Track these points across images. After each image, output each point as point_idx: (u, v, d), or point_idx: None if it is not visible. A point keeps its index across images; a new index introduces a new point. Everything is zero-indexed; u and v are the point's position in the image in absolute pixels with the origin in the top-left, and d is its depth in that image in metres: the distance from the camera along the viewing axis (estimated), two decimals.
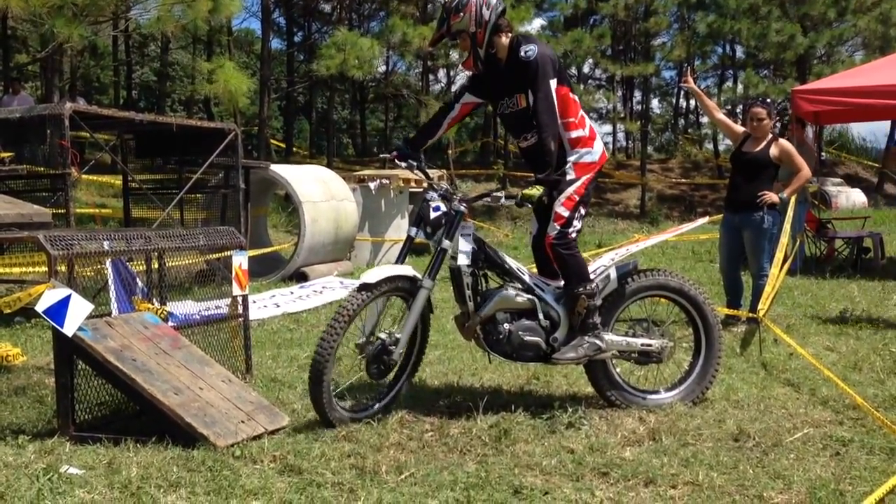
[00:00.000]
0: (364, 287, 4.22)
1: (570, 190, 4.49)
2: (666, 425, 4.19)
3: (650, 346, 4.58)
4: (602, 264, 4.64)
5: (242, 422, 4.05)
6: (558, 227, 4.47)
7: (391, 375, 4.45)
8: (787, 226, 6.97)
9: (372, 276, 4.26)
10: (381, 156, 4.50)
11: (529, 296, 4.48)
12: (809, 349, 5.74)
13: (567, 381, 5.16)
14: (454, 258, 4.40)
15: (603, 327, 4.51)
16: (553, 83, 4.39)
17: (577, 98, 4.61)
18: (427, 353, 5.60)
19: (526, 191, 4.30)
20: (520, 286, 4.49)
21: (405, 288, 4.38)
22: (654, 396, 4.63)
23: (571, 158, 4.53)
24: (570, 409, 4.31)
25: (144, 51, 29.66)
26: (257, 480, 3.42)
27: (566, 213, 4.46)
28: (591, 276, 4.52)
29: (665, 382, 4.80)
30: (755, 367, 5.58)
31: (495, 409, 4.44)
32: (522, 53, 4.41)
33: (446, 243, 4.37)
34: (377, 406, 4.43)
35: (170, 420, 3.89)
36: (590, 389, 4.94)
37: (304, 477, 3.51)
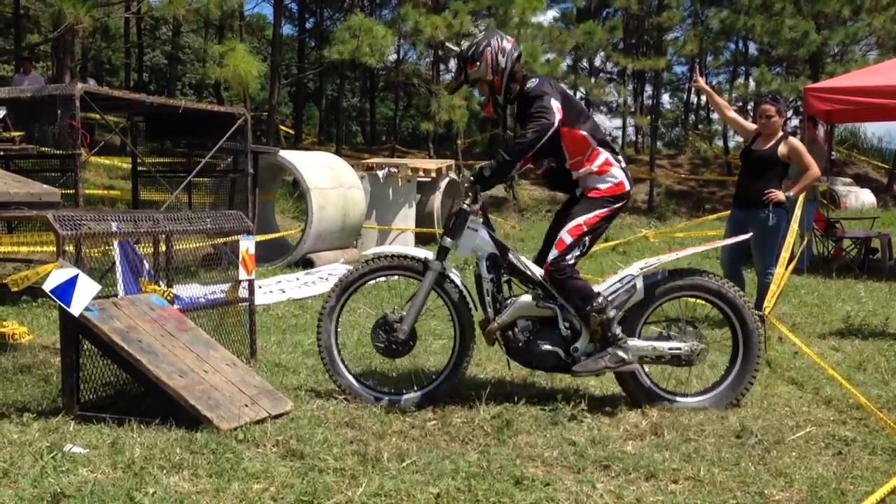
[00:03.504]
0: (367, 260, 4.48)
1: (581, 218, 4.44)
2: (668, 420, 4.20)
3: (679, 349, 4.46)
4: (629, 273, 4.52)
5: (246, 405, 4.06)
6: (556, 253, 4.43)
7: (408, 361, 4.60)
8: (794, 225, 6.95)
9: (376, 250, 4.61)
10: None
11: (550, 304, 4.46)
12: (814, 348, 5.73)
13: None
14: (476, 263, 4.49)
15: (629, 333, 4.45)
16: (554, 102, 4.34)
17: (590, 136, 4.49)
18: (430, 343, 5.63)
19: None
20: (541, 294, 4.47)
21: (413, 268, 4.49)
22: (684, 400, 4.52)
23: (581, 184, 4.53)
24: (573, 402, 4.31)
25: (156, 33, 29.65)
26: (259, 464, 3.44)
27: (569, 241, 4.42)
28: (618, 283, 4.46)
29: (699, 385, 4.73)
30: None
31: (498, 400, 4.45)
32: (527, 87, 4.46)
33: (447, 241, 4.45)
34: (402, 399, 4.47)
35: (174, 402, 3.90)
36: (593, 382, 4.95)
37: (306, 462, 3.52)
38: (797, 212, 7.06)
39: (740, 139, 8.46)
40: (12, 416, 4.06)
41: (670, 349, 4.48)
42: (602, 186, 4.48)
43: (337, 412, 4.26)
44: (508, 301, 4.48)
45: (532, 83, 4.46)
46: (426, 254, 4.53)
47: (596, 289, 4.46)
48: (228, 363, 4.40)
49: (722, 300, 4.50)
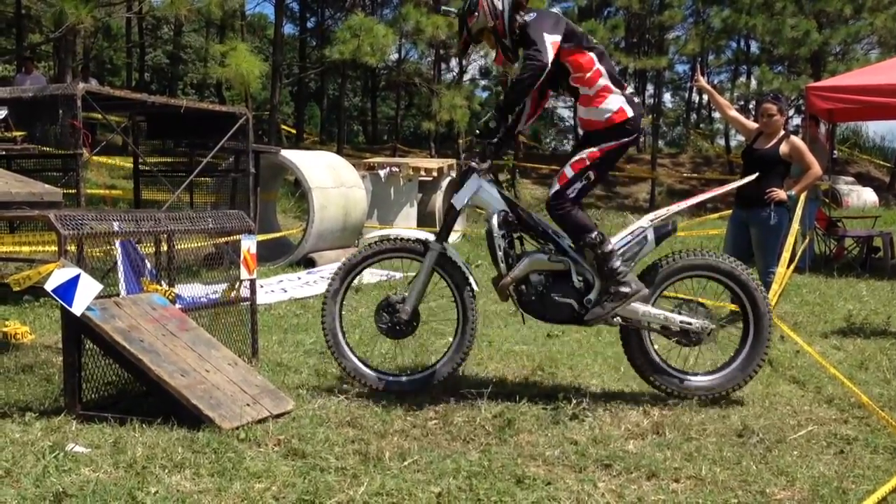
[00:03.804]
0: (370, 243, 4.56)
1: (584, 152, 4.41)
2: (670, 419, 4.20)
3: (690, 324, 4.47)
4: (640, 225, 4.55)
5: (248, 405, 4.06)
6: (557, 186, 4.42)
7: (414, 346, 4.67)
8: (795, 224, 6.95)
9: (377, 233, 4.71)
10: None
11: (563, 257, 4.47)
12: (816, 347, 5.73)
13: (572, 372, 5.16)
14: (487, 220, 4.50)
15: (644, 300, 4.43)
16: (548, 37, 4.26)
17: (595, 58, 4.39)
18: (433, 341, 5.63)
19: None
20: (553, 248, 4.49)
21: (414, 249, 4.56)
22: (693, 378, 4.54)
23: (580, 115, 4.50)
24: (575, 401, 4.31)
25: (157, 33, 29.68)
26: (261, 463, 3.44)
27: (570, 174, 4.40)
28: (629, 235, 4.48)
29: (707, 366, 4.74)
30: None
31: (499, 399, 4.45)
32: (524, 22, 4.36)
33: (455, 198, 4.49)
34: (404, 379, 4.60)
35: (176, 401, 3.91)
36: (595, 381, 4.95)
37: (307, 461, 3.53)
38: (798, 211, 7.05)
39: (742, 138, 8.45)
40: (14, 415, 4.06)
41: (681, 322, 4.48)
42: (599, 119, 4.41)
43: (338, 411, 4.26)
44: (521, 256, 4.49)
45: (529, 17, 4.37)
46: (426, 235, 4.59)
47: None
48: (230, 362, 4.40)
49: (734, 281, 4.52)
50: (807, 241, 9.59)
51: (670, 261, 4.55)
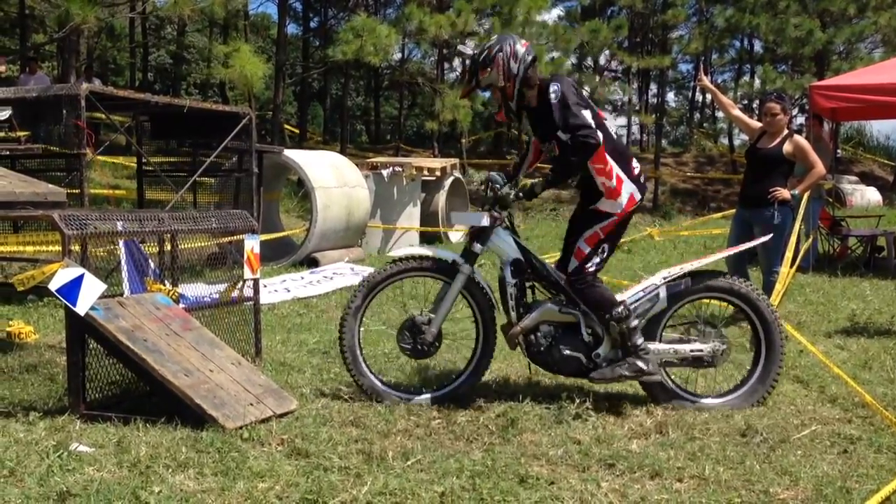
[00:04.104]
0: (395, 260, 4.49)
1: (597, 227, 4.44)
2: (673, 419, 4.20)
3: (700, 351, 4.47)
4: (653, 283, 4.51)
5: (251, 404, 4.07)
6: (576, 263, 4.45)
7: (434, 363, 4.58)
8: (798, 222, 6.93)
9: (403, 251, 4.61)
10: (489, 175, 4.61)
11: (573, 310, 4.46)
12: (820, 346, 5.72)
13: None
14: (501, 268, 4.49)
15: (650, 337, 4.44)
16: (585, 113, 4.27)
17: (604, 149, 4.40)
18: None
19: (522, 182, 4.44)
20: (564, 300, 4.48)
21: (443, 270, 4.50)
22: (707, 401, 4.50)
23: (596, 205, 4.50)
24: (578, 401, 4.31)
25: (161, 33, 29.71)
26: (265, 463, 3.44)
27: (587, 250, 4.44)
28: (641, 292, 4.46)
29: (725, 385, 4.70)
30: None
31: (503, 399, 4.45)
32: (550, 95, 4.33)
33: (476, 247, 4.48)
34: (425, 395, 4.51)
35: (179, 401, 3.91)
36: None
37: (311, 460, 3.53)
38: (801, 210, 7.04)
39: (745, 137, 8.44)
40: (18, 415, 4.07)
41: (692, 351, 4.48)
42: (614, 210, 4.45)
43: (342, 411, 4.26)
44: (532, 305, 4.49)
45: (554, 91, 4.32)
46: (455, 256, 4.52)
47: (619, 297, 4.45)
48: (233, 362, 4.41)
49: (735, 297, 4.50)
50: (810, 240, 9.57)
51: (682, 290, 4.48)
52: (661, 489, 3.33)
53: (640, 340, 4.38)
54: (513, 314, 4.45)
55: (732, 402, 4.47)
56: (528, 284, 4.54)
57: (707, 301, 4.72)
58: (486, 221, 4.45)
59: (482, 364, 4.57)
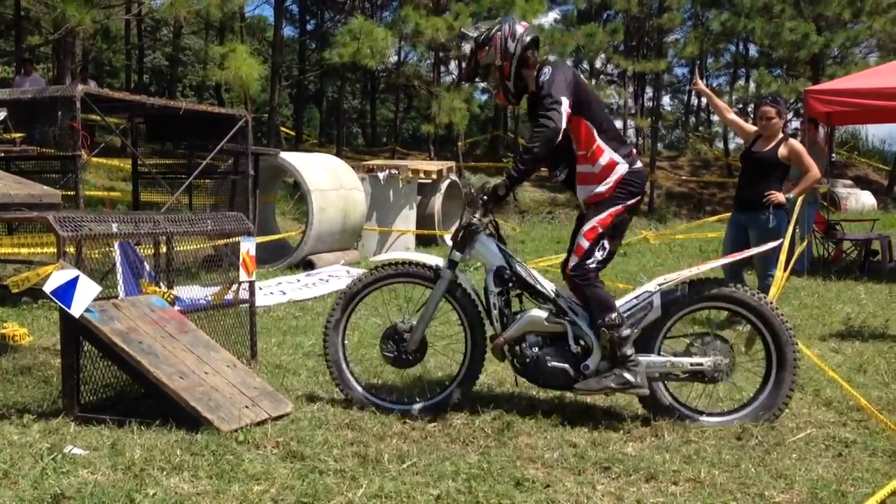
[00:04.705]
0: (373, 268, 4.39)
1: (595, 220, 4.28)
2: (669, 422, 4.19)
3: (700, 365, 4.24)
4: (647, 290, 4.31)
5: (246, 407, 4.06)
6: (577, 259, 4.29)
7: (418, 370, 4.48)
8: (792, 226, 6.94)
9: (384, 257, 4.50)
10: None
11: (560, 320, 4.29)
12: (814, 350, 5.73)
13: None
14: (486, 277, 4.38)
15: (646, 349, 4.26)
16: (564, 100, 4.13)
17: (593, 126, 4.30)
18: (430, 343, 5.61)
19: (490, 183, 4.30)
20: (552, 309, 4.31)
21: (422, 276, 4.41)
22: (708, 419, 4.27)
23: (581, 195, 4.41)
24: (574, 403, 4.30)
25: (157, 35, 29.66)
26: (260, 466, 3.44)
27: (586, 245, 4.26)
28: (634, 300, 4.30)
29: (735, 401, 4.49)
30: (760, 366, 5.56)
31: (498, 402, 4.45)
32: (540, 79, 4.24)
33: (456, 255, 4.36)
34: (417, 406, 4.37)
35: (174, 403, 3.90)
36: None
37: (306, 463, 3.52)
38: (796, 213, 7.05)
39: (740, 141, 8.46)
40: (13, 417, 4.06)
41: (691, 364, 4.25)
42: (602, 192, 4.30)
43: (337, 414, 4.26)
44: (517, 315, 4.33)
45: (545, 75, 4.23)
46: (437, 260, 4.42)
47: None
48: (229, 365, 4.40)
49: (739, 305, 4.30)
50: (805, 244, 9.59)
51: (677, 298, 4.29)
52: (657, 492, 3.33)
53: (629, 351, 4.19)
54: (497, 324, 4.30)
55: (731, 423, 4.21)
56: (515, 293, 4.39)
57: (707, 311, 4.53)
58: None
59: (473, 370, 4.43)
